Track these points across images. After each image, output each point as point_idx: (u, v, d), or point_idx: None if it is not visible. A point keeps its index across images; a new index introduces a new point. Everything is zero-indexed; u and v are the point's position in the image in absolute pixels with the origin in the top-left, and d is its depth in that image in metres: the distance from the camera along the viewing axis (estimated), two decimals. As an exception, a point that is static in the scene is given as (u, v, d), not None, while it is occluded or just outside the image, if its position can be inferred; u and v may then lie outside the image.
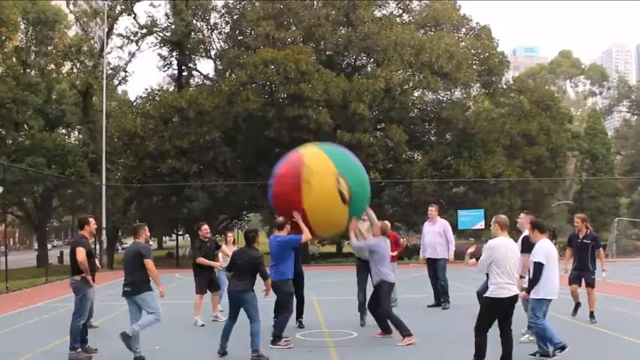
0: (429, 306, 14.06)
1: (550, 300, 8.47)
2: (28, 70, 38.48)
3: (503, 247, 7.81)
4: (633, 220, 46.36)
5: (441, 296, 13.92)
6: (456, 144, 36.96)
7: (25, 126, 36.93)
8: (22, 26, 37.70)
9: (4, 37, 36.96)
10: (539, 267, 8.22)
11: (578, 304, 11.76)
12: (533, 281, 8.26)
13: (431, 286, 14.42)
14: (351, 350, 9.70)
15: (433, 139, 39.69)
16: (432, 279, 14.22)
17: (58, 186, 36.37)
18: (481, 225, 31.43)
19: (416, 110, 39.38)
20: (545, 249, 8.37)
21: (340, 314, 13.36)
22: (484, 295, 8.13)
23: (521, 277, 8.95)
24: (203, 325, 11.94)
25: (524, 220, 9.96)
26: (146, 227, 9.38)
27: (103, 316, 13.02)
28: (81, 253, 9.45)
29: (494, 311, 7.82)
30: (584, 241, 11.54)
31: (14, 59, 37.72)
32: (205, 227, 12.60)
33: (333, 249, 45.83)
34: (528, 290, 8.37)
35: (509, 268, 7.73)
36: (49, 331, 11.53)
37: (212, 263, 12.23)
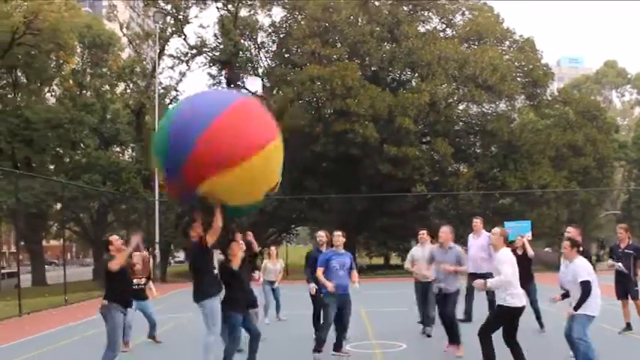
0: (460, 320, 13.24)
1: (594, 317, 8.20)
2: (84, 92, 39.36)
3: (513, 258, 8.37)
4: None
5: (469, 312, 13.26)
6: (502, 156, 36.61)
7: (82, 145, 37.70)
8: (79, 50, 38.65)
9: (61, 61, 37.97)
10: (588, 286, 7.90)
11: (628, 325, 11.38)
12: (583, 299, 7.92)
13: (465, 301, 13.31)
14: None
15: (478, 151, 39.38)
16: (467, 294, 13.26)
17: (113, 202, 36.97)
18: (529, 237, 30.96)
19: (461, 123, 39.16)
20: (587, 266, 8.12)
21: (388, 325, 13.32)
22: (498, 304, 8.27)
23: None
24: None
25: (573, 233, 9.69)
26: None
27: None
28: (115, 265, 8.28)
29: (506, 320, 8.17)
30: (626, 251, 11.30)
31: (71, 81, 38.72)
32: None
33: (380, 261, 45.66)
34: (576, 308, 8.00)
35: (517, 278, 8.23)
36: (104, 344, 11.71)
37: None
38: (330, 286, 9.50)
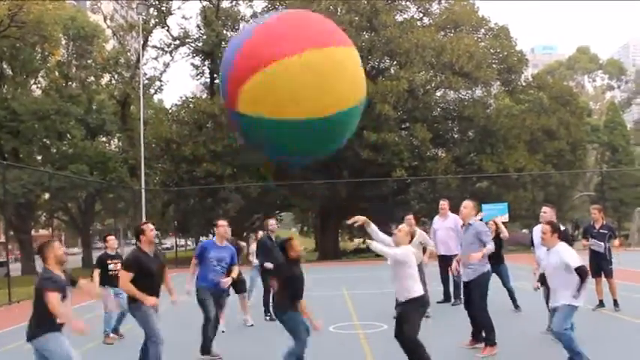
0: (438, 302, 13.07)
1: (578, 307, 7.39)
2: (70, 83, 39.06)
3: None
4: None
5: (454, 292, 13.10)
6: (479, 140, 36.75)
7: (68, 135, 37.44)
8: (63, 42, 38.28)
9: (47, 53, 37.59)
10: (585, 270, 7.09)
11: (601, 302, 11.50)
12: (583, 286, 7.09)
13: (441, 283, 13.52)
14: (381, 342, 9.70)
15: (456, 136, 39.49)
16: (443, 277, 13.29)
17: (100, 191, 36.79)
18: (505, 218, 31.19)
19: (439, 109, 39.21)
20: (572, 251, 7.32)
21: (370, 307, 13.38)
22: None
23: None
24: (223, 332, 10.38)
25: (549, 213, 9.13)
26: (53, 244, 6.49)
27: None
28: (124, 278, 7.29)
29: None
30: (601, 231, 11.42)
31: (57, 73, 38.38)
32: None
33: (363, 245, 45.80)
34: (576, 296, 7.18)
35: None
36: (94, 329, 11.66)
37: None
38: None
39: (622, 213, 45.80)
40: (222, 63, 6.32)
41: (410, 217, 12.24)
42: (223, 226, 9.01)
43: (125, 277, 7.19)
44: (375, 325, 10.93)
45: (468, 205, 8.90)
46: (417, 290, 7.12)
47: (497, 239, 11.86)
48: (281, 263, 7.71)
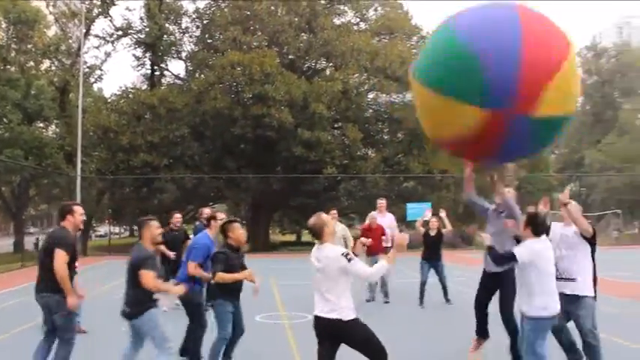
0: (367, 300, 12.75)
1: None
2: (8, 67, 37.65)
3: None
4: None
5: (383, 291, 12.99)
6: (407, 142, 37.18)
7: (5, 119, 36.16)
8: (3, 25, 36.91)
9: (-16, 36, 36.20)
10: (500, 255, 6.28)
11: None
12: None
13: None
14: (306, 331, 9.72)
15: (386, 137, 39.90)
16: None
17: (35, 176, 35.76)
18: (428, 217, 31.67)
19: (370, 111, 39.54)
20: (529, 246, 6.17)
21: (297, 298, 13.40)
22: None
23: None
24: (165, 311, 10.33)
25: (575, 207, 7.27)
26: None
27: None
28: (60, 260, 6.33)
29: None
30: None
31: (-5, 56, 36.96)
32: (177, 216, 11.95)
33: (292, 238, 45.87)
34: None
35: None
36: (23, 315, 11.34)
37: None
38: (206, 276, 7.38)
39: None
40: (492, 60, 4.69)
41: (334, 212, 12.37)
42: (222, 219, 7.84)
43: (62, 258, 6.37)
44: (300, 316, 10.97)
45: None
46: None
47: (438, 239, 12.18)
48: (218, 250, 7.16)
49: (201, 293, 7.63)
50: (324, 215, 5.67)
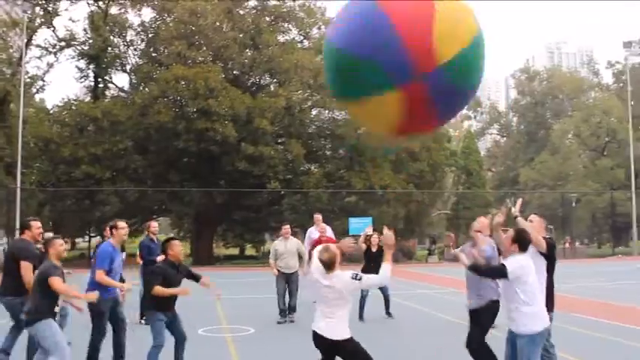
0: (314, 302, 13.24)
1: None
2: (-54, 76, 36.54)
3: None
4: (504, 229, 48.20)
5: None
6: (349, 158, 37.56)
7: (-59, 129, 35.06)
8: (-59, 33, 35.85)
9: None
10: (480, 268, 6.24)
11: None
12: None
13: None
14: (248, 344, 9.79)
15: (328, 153, 40.19)
16: None
17: (-27, 188, 34.71)
18: (369, 231, 32.00)
19: (313, 127, 39.77)
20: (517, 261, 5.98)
21: (239, 311, 13.45)
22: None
23: None
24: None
25: (537, 223, 6.90)
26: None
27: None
28: (26, 270, 7.18)
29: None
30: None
31: None
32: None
33: (236, 251, 45.64)
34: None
35: None
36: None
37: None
38: (126, 286, 7.81)
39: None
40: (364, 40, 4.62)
41: (287, 228, 12.48)
42: (124, 228, 8.01)
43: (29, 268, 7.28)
44: (243, 329, 11.03)
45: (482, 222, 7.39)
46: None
47: (380, 250, 12.26)
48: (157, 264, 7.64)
49: (105, 302, 7.50)
50: (333, 247, 5.77)
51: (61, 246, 6.72)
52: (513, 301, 5.75)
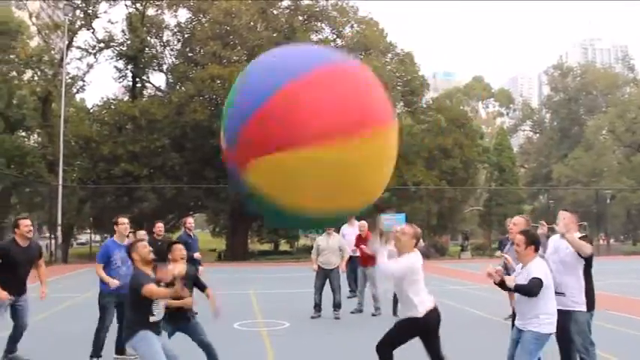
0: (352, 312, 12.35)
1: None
2: (-10, 77, 37.33)
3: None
4: (534, 225, 47.61)
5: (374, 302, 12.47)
6: (381, 155, 37.36)
7: (-14, 128, 35.83)
8: (-14, 36, 36.61)
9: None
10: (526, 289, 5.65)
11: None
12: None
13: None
14: (283, 338, 9.80)
15: (361, 150, 40.02)
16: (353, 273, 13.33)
17: (17, 185, 35.38)
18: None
19: (346, 123, 39.62)
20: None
21: (274, 306, 13.47)
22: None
23: None
24: None
25: (569, 219, 6.54)
26: None
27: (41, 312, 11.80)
28: None
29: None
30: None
31: (-23, 66, 36.63)
32: (159, 225, 11.62)
33: (270, 247, 45.79)
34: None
35: None
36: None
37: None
38: (112, 282, 7.68)
39: (505, 227, 47.54)
40: (235, 103, 4.97)
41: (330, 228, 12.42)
42: (124, 223, 8.16)
43: None
44: (278, 323, 11.03)
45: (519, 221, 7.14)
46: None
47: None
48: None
49: (107, 294, 7.85)
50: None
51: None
52: (528, 301, 5.65)
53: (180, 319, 6.67)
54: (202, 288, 6.99)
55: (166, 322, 6.30)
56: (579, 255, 6.30)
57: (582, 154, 52.90)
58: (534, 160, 65.07)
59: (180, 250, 6.76)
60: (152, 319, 5.62)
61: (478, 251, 40.71)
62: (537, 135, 68.22)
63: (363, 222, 12.70)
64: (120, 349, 8.00)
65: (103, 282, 7.84)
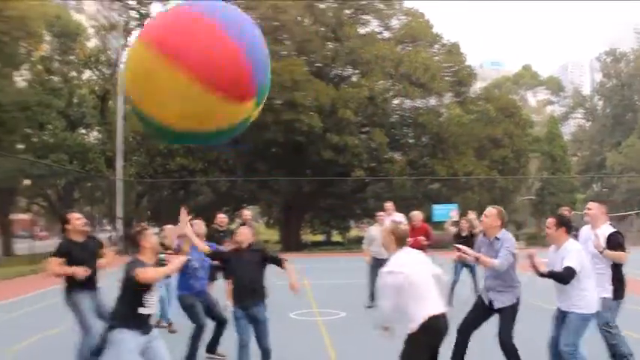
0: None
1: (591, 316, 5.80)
2: (52, 77, 38.34)
3: None
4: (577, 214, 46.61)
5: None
6: (431, 146, 37.15)
7: (50, 126, 36.78)
8: (48, 38, 37.62)
9: (30, 48, 36.86)
10: (564, 275, 5.58)
11: None
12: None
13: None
14: (339, 328, 9.83)
15: (411, 141, 39.86)
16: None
17: (79, 180, 36.33)
18: (456, 217, 31.48)
19: (396, 116, 39.53)
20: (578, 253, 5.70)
21: (329, 296, 13.50)
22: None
23: None
24: None
25: (596, 210, 6.55)
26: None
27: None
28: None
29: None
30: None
31: (40, 67, 37.67)
32: (222, 216, 11.36)
33: (322, 238, 45.97)
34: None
35: None
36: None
37: None
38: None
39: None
40: None
41: (382, 214, 12.17)
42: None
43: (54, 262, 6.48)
44: (334, 313, 11.07)
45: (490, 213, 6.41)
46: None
47: (471, 236, 11.66)
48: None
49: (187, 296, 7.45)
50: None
51: (154, 236, 5.43)
52: (567, 287, 5.70)
53: (249, 296, 6.58)
54: (279, 263, 6.93)
55: (239, 306, 6.32)
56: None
57: (636, 142, 51.42)
58: (587, 148, 63.55)
59: (241, 232, 6.82)
60: (141, 310, 5.03)
61: (531, 240, 40.03)
62: (589, 123, 66.59)
63: (417, 212, 12.32)
64: (211, 349, 7.61)
65: (182, 287, 7.39)
